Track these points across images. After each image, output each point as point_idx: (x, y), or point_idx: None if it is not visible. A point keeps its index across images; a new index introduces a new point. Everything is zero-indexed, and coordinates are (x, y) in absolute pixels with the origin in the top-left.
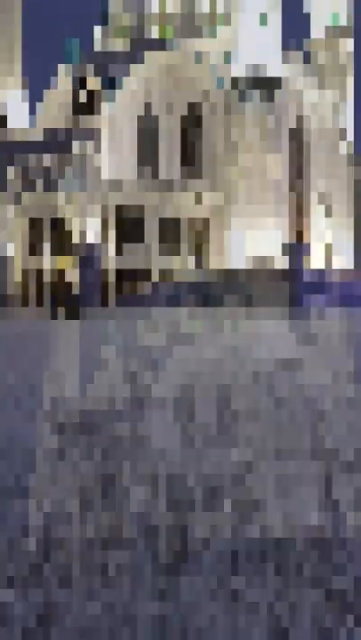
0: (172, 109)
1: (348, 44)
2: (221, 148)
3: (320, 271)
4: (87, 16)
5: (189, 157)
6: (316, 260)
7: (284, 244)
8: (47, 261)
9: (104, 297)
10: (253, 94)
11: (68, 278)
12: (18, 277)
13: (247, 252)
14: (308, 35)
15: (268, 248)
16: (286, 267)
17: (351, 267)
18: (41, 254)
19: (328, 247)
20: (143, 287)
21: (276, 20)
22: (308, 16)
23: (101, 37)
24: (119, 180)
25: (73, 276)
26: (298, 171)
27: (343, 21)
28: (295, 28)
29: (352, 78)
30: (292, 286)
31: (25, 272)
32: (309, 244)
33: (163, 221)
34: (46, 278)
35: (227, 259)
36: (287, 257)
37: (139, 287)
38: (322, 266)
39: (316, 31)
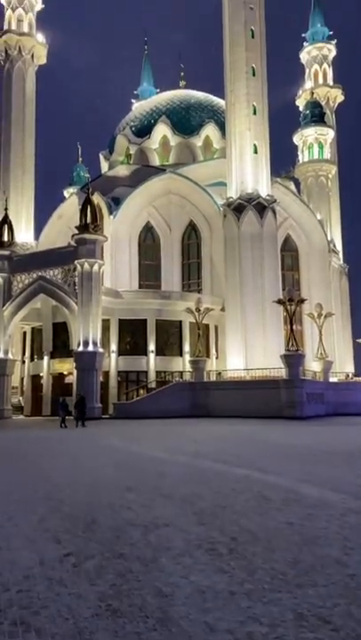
0: (172, 227)
1: (332, 170)
2: (219, 262)
3: (317, 382)
4: (94, 144)
5: (189, 271)
6: (313, 369)
7: (281, 355)
8: (47, 366)
9: (103, 403)
10: (247, 213)
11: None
12: (16, 382)
13: (245, 361)
14: (295, 160)
15: (265, 358)
16: (284, 376)
17: (350, 373)
18: (41, 359)
19: (325, 359)
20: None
21: (265, 148)
22: (295, 146)
23: (107, 163)
24: (121, 290)
25: (73, 380)
26: (292, 282)
27: (327, 154)
28: (284, 154)
29: (337, 197)
30: (291, 396)
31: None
32: (304, 355)
33: (162, 324)
34: (46, 383)
35: (224, 366)
36: (285, 367)
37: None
38: (320, 375)
39: (304, 157)
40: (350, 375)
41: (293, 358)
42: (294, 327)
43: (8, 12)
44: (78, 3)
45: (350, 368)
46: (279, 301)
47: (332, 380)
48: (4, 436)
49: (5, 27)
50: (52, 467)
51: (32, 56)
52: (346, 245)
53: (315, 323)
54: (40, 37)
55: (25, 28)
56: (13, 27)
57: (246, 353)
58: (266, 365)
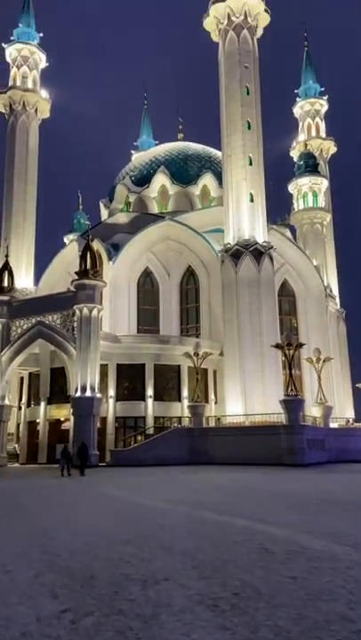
0: (170, 272)
1: (327, 217)
2: (217, 307)
3: (318, 427)
4: (95, 193)
5: (188, 316)
6: (313, 415)
7: (280, 400)
8: (43, 412)
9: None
10: (245, 259)
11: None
12: (12, 428)
13: (244, 406)
14: (290, 208)
15: (264, 403)
16: (284, 422)
17: (350, 419)
18: (38, 405)
19: (324, 404)
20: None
21: (261, 196)
22: (290, 194)
23: (106, 210)
24: (119, 335)
25: (70, 427)
26: (290, 327)
27: (321, 203)
28: (280, 202)
29: (333, 243)
30: (291, 442)
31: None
32: (303, 400)
33: (160, 368)
34: (43, 429)
35: (223, 411)
36: (284, 412)
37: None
38: (320, 420)
39: (299, 205)
40: (351, 421)
41: (293, 403)
42: (293, 372)
43: (13, 70)
44: (81, 59)
45: (350, 413)
46: (277, 346)
47: (333, 425)
48: None
49: (10, 83)
50: (48, 517)
51: (36, 110)
52: (342, 290)
53: (313, 367)
54: (44, 93)
55: (29, 85)
56: (18, 83)
57: (245, 398)
58: (265, 410)
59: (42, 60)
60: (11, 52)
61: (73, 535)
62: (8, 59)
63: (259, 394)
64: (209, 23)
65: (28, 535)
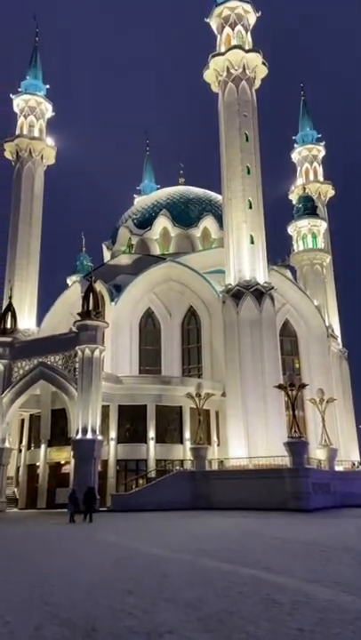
0: (172, 313)
1: (326, 258)
2: (219, 347)
3: (323, 471)
4: (97, 235)
5: (189, 356)
6: (317, 457)
7: (284, 442)
8: (43, 455)
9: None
10: (246, 299)
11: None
12: (11, 472)
13: (247, 448)
14: (290, 249)
15: (268, 445)
16: (288, 465)
17: (356, 461)
18: (38, 447)
19: (329, 446)
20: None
21: (261, 238)
22: (290, 236)
23: (109, 252)
24: (121, 376)
25: (70, 470)
26: (292, 367)
27: (321, 244)
28: (280, 243)
29: (333, 283)
30: (296, 486)
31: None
32: (308, 442)
33: (162, 409)
34: (43, 473)
35: (225, 453)
36: (288, 455)
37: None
38: (325, 463)
39: (298, 247)
40: (356, 464)
41: (297, 446)
42: (296, 413)
43: (20, 119)
44: (86, 107)
45: (355, 456)
46: (280, 386)
47: (338, 468)
48: None
49: (17, 131)
50: (49, 566)
51: (41, 157)
52: (344, 330)
53: (317, 408)
54: (49, 141)
55: (36, 133)
56: (25, 131)
57: (248, 439)
58: (268, 452)
59: (48, 109)
60: (18, 102)
61: (74, 584)
62: (16, 109)
63: (262, 435)
64: (209, 75)
65: (28, 584)
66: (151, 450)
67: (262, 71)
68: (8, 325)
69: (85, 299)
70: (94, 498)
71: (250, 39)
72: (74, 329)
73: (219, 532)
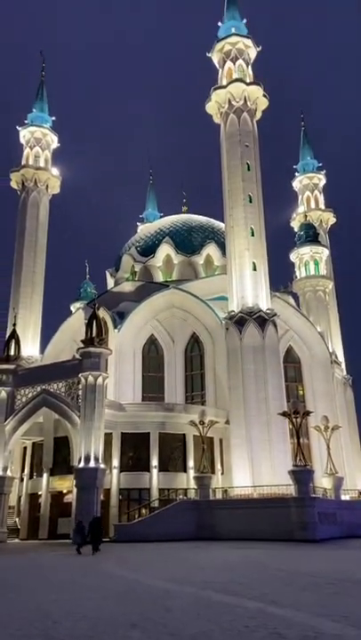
0: (175, 340)
1: (329, 285)
2: (222, 374)
3: (329, 500)
4: (101, 263)
5: (192, 383)
6: (323, 486)
7: (289, 471)
8: (46, 484)
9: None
10: (249, 326)
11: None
12: (13, 501)
13: (251, 477)
14: (292, 275)
15: (272, 473)
16: (293, 494)
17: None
18: (40, 476)
19: (335, 474)
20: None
21: (263, 265)
22: (292, 262)
23: (112, 279)
24: (124, 403)
25: (72, 499)
26: (296, 394)
27: (323, 271)
28: (282, 270)
29: (336, 310)
30: (301, 516)
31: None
32: (313, 470)
33: (165, 437)
34: (45, 502)
35: (230, 481)
36: (293, 484)
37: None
38: (330, 492)
39: (301, 273)
40: None
41: (302, 474)
42: (301, 440)
43: (27, 150)
44: (91, 137)
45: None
46: (284, 414)
47: (344, 498)
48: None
49: (23, 162)
50: (50, 598)
51: (46, 187)
52: (348, 357)
53: (322, 436)
54: (55, 171)
55: (41, 163)
56: (31, 162)
57: (253, 468)
58: (273, 480)
59: (54, 140)
60: (25, 134)
61: (76, 618)
62: (22, 140)
63: (266, 463)
64: (211, 107)
65: (29, 618)
66: (154, 478)
67: (263, 103)
68: (12, 352)
69: (89, 326)
70: (101, 528)
71: (251, 72)
72: (77, 356)
73: (224, 564)
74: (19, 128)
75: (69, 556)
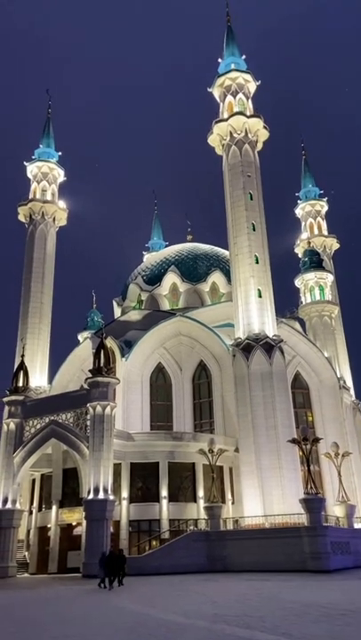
0: (182, 367)
1: (335, 310)
2: (230, 401)
3: (341, 528)
4: (108, 292)
5: (201, 411)
6: (335, 514)
7: (300, 499)
8: (55, 516)
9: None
10: (256, 352)
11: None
12: (22, 534)
13: (262, 506)
14: (298, 301)
15: (283, 502)
16: (305, 523)
17: None
18: (49, 508)
19: (347, 502)
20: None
21: (269, 292)
22: (297, 288)
23: (119, 308)
24: (132, 433)
25: (82, 532)
26: (305, 420)
27: (328, 296)
28: (288, 296)
29: (343, 334)
30: (314, 545)
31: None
32: (324, 499)
33: (174, 466)
34: (54, 535)
35: (240, 511)
36: (305, 512)
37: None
38: (343, 521)
39: (306, 299)
40: None
41: (314, 502)
42: (312, 468)
43: (34, 184)
44: (96, 170)
45: None
46: (294, 441)
47: (357, 526)
48: (8, 600)
49: (31, 196)
50: (63, 634)
51: (54, 219)
52: (356, 381)
53: (332, 463)
54: (61, 204)
55: (48, 197)
56: (38, 196)
57: (263, 496)
58: (284, 509)
59: (60, 175)
60: (32, 169)
61: None
62: (29, 175)
63: (277, 491)
64: (213, 139)
65: None
66: (164, 509)
67: (264, 134)
68: (20, 384)
69: (96, 355)
70: (124, 560)
71: (251, 105)
72: (85, 386)
73: (236, 597)
74: (26, 163)
75: (80, 590)
